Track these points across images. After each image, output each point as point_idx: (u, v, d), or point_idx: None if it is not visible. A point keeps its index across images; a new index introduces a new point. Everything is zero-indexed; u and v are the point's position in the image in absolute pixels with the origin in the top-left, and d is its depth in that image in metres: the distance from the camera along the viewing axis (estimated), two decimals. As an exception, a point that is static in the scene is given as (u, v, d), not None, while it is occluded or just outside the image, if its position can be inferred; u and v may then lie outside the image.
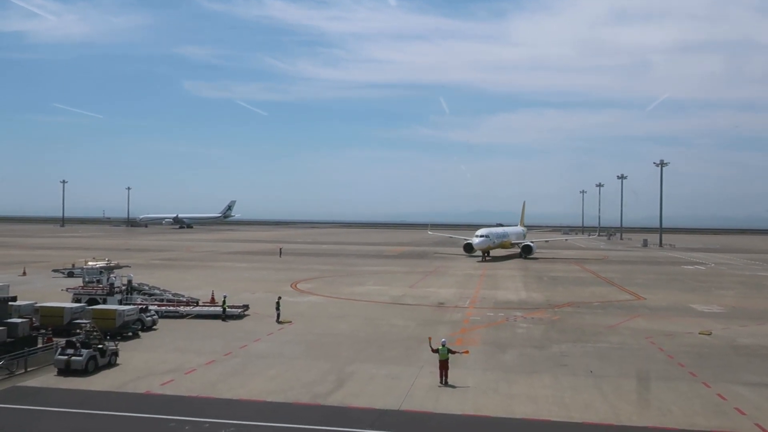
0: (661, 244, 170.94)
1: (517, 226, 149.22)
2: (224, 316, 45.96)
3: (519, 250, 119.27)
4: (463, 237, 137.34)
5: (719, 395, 28.03)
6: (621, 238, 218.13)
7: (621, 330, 44.09)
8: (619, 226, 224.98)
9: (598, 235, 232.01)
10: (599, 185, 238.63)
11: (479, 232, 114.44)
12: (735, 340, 41.19)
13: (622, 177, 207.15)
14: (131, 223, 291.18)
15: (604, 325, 45.72)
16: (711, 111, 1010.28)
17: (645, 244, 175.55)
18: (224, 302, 47.09)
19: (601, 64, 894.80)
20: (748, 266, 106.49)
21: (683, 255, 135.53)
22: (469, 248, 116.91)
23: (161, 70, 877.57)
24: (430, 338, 32.60)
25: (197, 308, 48.34)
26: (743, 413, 25.57)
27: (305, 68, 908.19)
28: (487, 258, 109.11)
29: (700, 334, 42.71)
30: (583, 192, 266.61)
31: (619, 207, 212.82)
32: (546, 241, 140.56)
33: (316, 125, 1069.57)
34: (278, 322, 44.68)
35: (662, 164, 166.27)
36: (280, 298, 48.40)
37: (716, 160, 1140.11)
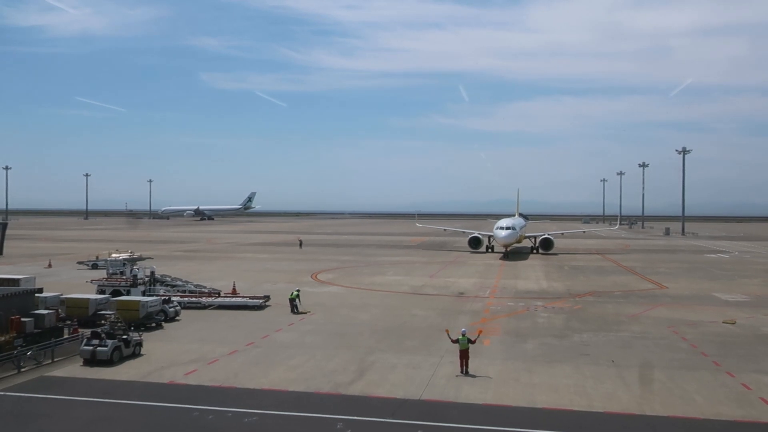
0: (683, 233, 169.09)
1: (515, 216, 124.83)
2: (298, 311, 44.92)
3: (531, 244, 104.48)
4: (462, 229, 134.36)
5: (744, 385, 27.73)
6: (643, 227, 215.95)
7: (643, 319, 43.72)
8: (640, 214, 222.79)
9: (620, 224, 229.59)
10: (620, 173, 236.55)
11: (502, 223, 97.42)
12: (759, 329, 40.64)
13: (643, 165, 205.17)
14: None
15: (626, 315, 45.37)
16: (734, 96, 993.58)
17: (667, 232, 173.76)
18: (297, 295, 45.97)
19: (621, 49, 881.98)
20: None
21: (706, 243, 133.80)
22: (475, 243, 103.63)
23: (178, 62, 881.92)
24: (447, 330, 32.45)
25: (219, 299, 48.86)
26: (768, 403, 25.29)
27: (321, 58, 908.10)
28: (508, 252, 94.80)
29: (723, 323, 42.21)
30: (603, 180, 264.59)
31: (641, 195, 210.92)
32: (562, 234, 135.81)
33: (334, 115, 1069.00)
34: (294, 312, 44.69)
35: (684, 151, 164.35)
36: (298, 291, 46.92)
37: (740, 145, 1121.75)
